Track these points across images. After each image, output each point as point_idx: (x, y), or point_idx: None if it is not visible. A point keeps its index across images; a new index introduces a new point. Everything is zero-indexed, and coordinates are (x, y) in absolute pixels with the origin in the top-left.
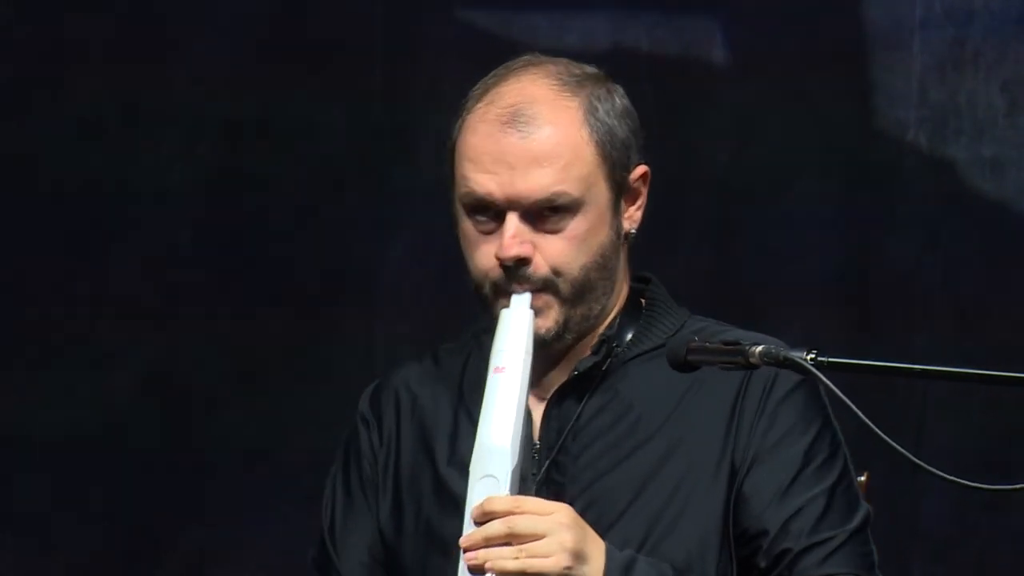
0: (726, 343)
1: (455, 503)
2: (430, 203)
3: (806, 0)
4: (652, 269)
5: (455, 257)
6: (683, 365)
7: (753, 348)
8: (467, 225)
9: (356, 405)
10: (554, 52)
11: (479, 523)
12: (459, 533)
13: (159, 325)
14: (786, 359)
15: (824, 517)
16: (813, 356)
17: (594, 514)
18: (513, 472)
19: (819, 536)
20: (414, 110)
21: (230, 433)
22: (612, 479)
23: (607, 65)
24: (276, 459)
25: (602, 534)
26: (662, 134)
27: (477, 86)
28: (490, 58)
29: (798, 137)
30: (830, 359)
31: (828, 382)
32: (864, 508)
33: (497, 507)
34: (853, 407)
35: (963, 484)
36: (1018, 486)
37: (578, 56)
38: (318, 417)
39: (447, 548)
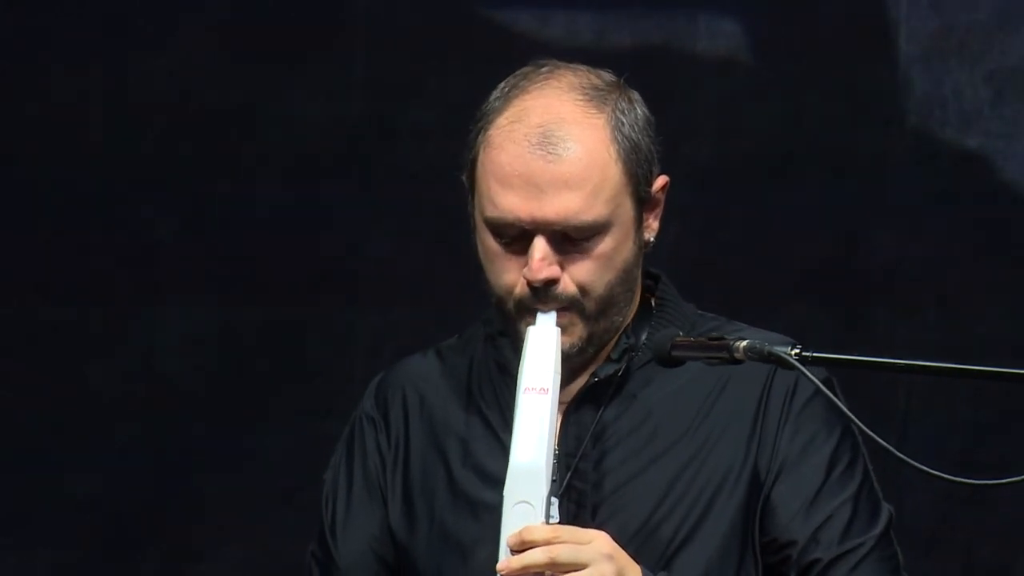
0: (711, 338)
1: (471, 506)
2: (413, 195)
3: None
4: None
5: (437, 249)
6: (668, 361)
7: (737, 343)
8: (489, 240)
9: (338, 398)
10: (536, 44)
11: (516, 551)
12: (476, 536)
13: (140, 317)
14: (770, 353)
15: (851, 525)
16: (797, 351)
17: (617, 523)
18: (547, 496)
19: (848, 544)
20: (396, 101)
21: (211, 427)
22: (634, 487)
23: (590, 57)
24: (257, 454)
25: (625, 543)
26: None
27: (495, 95)
28: (473, 51)
29: (782, 128)
30: (814, 353)
31: (811, 376)
32: (886, 509)
33: (536, 537)
34: (837, 401)
35: (947, 479)
36: (1002, 481)
37: (561, 48)
38: (300, 411)
39: (464, 551)
